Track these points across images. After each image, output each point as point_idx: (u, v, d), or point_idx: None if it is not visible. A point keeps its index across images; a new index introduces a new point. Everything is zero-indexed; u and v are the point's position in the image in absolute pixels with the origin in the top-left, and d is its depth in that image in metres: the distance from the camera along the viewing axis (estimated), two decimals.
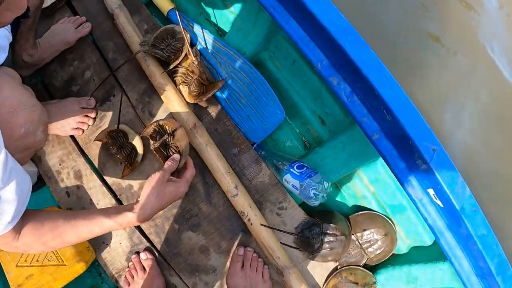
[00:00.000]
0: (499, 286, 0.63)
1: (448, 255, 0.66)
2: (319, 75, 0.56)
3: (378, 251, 0.80)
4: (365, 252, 0.80)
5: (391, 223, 0.80)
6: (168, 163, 0.65)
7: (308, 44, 0.58)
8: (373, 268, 0.85)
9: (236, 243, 0.78)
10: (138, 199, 0.60)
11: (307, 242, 0.74)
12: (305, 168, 0.72)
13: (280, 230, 0.75)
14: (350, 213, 0.81)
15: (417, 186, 0.58)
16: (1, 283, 0.83)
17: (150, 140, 0.72)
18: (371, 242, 0.79)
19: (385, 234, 0.79)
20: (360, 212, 0.79)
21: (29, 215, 0.55)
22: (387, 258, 0.84)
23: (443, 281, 0.77)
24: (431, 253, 0.79)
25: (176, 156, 0.67)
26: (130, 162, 0.78)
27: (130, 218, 0.58)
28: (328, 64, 0.55)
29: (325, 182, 0.69)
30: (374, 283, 0.82)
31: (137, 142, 0.79)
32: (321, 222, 0.73)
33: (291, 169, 0.72)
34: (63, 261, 0.78)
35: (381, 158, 0.65)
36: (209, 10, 0.87)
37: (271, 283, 0.77)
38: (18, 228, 0.54)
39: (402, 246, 0.83)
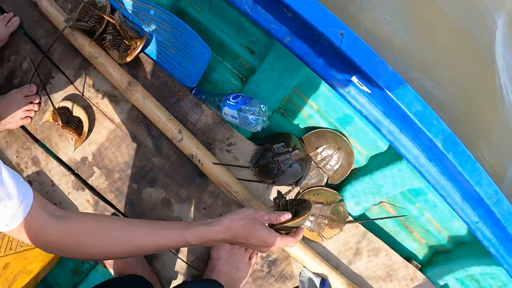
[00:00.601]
0: (453, 164, 0.65)
1: (393, 144, 0.68)
2: None
3: (336, 167, 0.83)
4: (323, 171, 0.83)
5: (342, 136, 0.83)
6: (275, 215, 0.54)
7: None
8: (338, 187, 0.89)
9: (195, 189, 0.82)
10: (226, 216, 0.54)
11: (266, 170, 0.78)
12: (240, 97, 0.76)
13: (232, 165, 0.79)
14: (301, 135, 0.84)
15: (341, 78, 0.62)
16: None
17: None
18: (327, 159, 0.83)
19: (338, 148, 0.82)
20: (309, 132, 0.83)
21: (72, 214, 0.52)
22: (349, 173, 0.87)
23: (404, 182, 0.80)
24: (388, 157, 0.82)
25: (287, 215, 0.55)
26: (79, 134, 0.84)
27: (202, 239, 0.52)
28: None
29: (261, 105, 0.73)
30: (341, 200, 0.85)
31: (81, 115, 0.84)
32: (271, 145, 0.77)
33: (227, 101, 0.76)
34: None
35: (314, 74, 0.69)
36: None
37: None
38: (50, 212, 0.50)
39: (360, 158, 0.86)
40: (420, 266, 0.94)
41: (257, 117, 0.73)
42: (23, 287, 0.81)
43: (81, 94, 0.86)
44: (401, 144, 0.66)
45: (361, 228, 0.87)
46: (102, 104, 0.85)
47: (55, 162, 0.87)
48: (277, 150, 0.76)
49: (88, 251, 0.50)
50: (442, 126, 0.62)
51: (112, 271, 0.83)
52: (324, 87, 0.78)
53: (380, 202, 0.91)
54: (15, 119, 0.88)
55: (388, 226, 0.95)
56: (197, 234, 0.52)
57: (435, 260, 0.97)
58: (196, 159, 0.78)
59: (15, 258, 0.83)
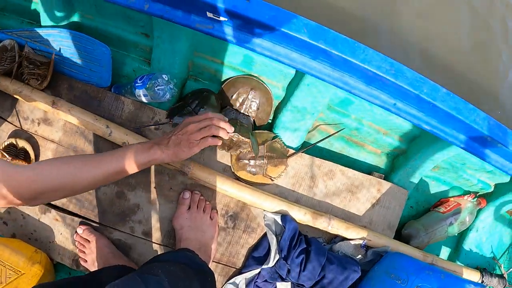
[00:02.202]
0: (331, 52, 0.76)
1: (274, 59, 0.79)
2: None
3: (256, 106, 0.96)
4: (246, 114, 0.97)
5: (252, 77, 0.97)
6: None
7: None
8: (270, 127, 1.02)
9: (140, 173, 0.98)
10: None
11: (181, 119, 0.91)
12: (145, 76, 0.92)
13: (149, 125, 0.94)
14: (218, 92, 0.99)
15: (199, 19, 0.76)
16: None
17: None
18: (245, 102, 0.96)
19: (251, 88, 0.96)
20: (222, 85, 0.98)
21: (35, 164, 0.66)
22: (273, 110, 1.00)
23: (317, 94, 0.91)
24: (296, 79, 0.94)
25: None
26: (29, 162, 1.02)
27: (160, 146, 0.72)
28: None
29: (163, 75, 0.88)
30: (275, 137, 0.98)
31: (26, 145, 1.03)
32: (183, 102, 0.92)
33: (136, 84, 0.92)
34: (20, 271, 1.00)
35: (196, 32, 0.82)
36: (24, 13, 1.12)
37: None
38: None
39: (278, 91, 0.99)
40: (383, 175, 1.05)
41: (163, 87, 0.88)
42: None
43: (20, 128, 1.05)
44: (282, 55, 0.79)
45: (307, 157, 0.99)
46: (40, 130, 1.03)
47: None
48: (190, 102, 0.91)
49: (55, 185, 0.64)
50: (303, 21, 0.74)
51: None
52: (212, 39, 0.91)
53: (317, 127, 1.03)
54: None
55: (337, 146, 1.07)
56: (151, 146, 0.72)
57: (396, 164, 1.07)
58: (126, 144, 0.94)
59: None
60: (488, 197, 1.17)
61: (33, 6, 1.07)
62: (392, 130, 1.02)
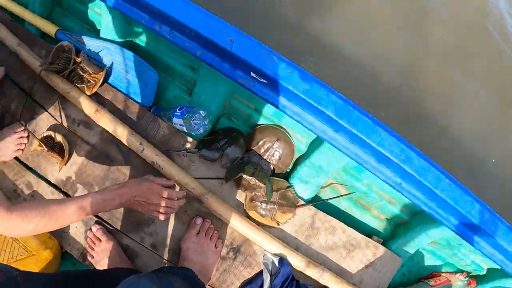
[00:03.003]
0: (351, 130, 0.97)
1: (301, 123, 1.01)
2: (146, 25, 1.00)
3: (278, 156, 1.18)
4: (267, 161, 1.18)
5: (280, 128, 1.18)
6: (162, 179, 0.98)
7: (138, 13, 1.03)
8: (287, 176, 1.23)
9: None
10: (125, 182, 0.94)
11: (210, 152, 1.14)
12: (184, 107, 1.14)
13: (178, 150, 1.16)
14: (247, 134, 1.21)
15: (243, 75, 0.98)
16: None
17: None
18: (269, 150, 1.18)
19: (277, 139, 1.17)
20: (252, 130, 1.19)
21: (18, 205, 0.84)
22: (293, 162, 1.22)
23: (334, 158, 1.12)
24: (318, 139, 1.15)
25: (171, 181, 1.00)
26: (62, 157, 1.25)
27: (110, 197, 0.89)
28: (150, 18, 1.00)
29: (200, 111, 1.10)
30: (289, 186, 1.20)
31: (63, 141, 1.26)
32: (214, 137, 1.14)
33: (175, 113, 1.14)
34: (31, 252, 1.23)
35: None
36: (86, 20, 1.35)
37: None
38: (8, 208, 0.81)
39: (301, 145, 1.20)
40: (382, 240, 1.25)
41: (199, 122, 1.10)
42: None
43: (60, 124, 1.28)
44: (308, 122, 1.00)
45: (314, 209, 1.20)
46: (79, 130, 1.26)
47: (45, 184, 1.28)
48: (220, 138, 1.13)
49: (39, 222, 0.83)
50: (331, 98, 0.94)
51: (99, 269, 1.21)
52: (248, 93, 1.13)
53: (330, 184, 1.25)
54: (9, 152, 1.30)
55: (344, 205, 1.28)
56: (101, 196, 0.87)
57: (397, 232, 1.27)
58: (156, 165, 1.16)
59: (16, 265, 1.23)
60: (479, 279, 1.36)
61: (95, 16, 1.30)
62: (397, 201, 1.23)
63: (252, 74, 0.95)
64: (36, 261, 1.21)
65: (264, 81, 0.95)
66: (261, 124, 1.19)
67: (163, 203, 0.93)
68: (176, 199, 0.97)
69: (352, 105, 0.98)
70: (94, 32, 1.35)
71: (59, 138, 1.26)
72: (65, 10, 1.39)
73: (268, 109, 1.16)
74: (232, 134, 1.16)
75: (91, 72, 1.21)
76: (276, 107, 0.99)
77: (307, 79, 0.94)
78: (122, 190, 0.92)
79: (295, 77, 0.94)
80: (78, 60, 1.21)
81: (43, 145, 1.24)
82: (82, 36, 1.25)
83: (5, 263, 1.20)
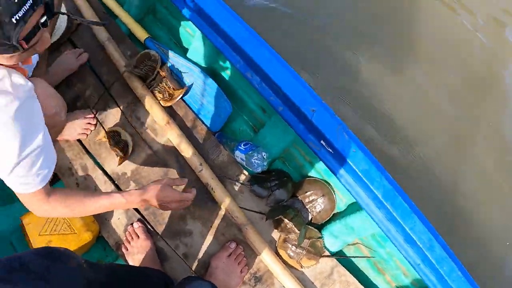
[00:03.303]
0: (391, 212, 1.16)
1: (350, 192, 1.20)
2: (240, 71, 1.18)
3: (320, 210, 1.36)
4: (309, 211, 1.37)
5: (328, 185, 1.37)
6: (178, 180, 1.18)
7: (234, 56, 1.20)
8: (320, 227, 1.42)
9: (206, 210, 1.38)
10: (145, 186, 1.12)
11: (260, 188, 1.32)
12: (249, 144, 1.31)
13: (232, 180, 1.34)
14: (296, 180, 1.39)
15: (314, 140, 1.15)
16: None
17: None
18: (313, 202, 1.36)
19: (323, 194, 1.35)
20: (303, 179, 1.37)
21: (59, 189, 1.04)
22: (330, 217, 1.40)
23: (367, 226, 1.31)
24: (358, 205, 1.33)
25: (186, 180, 1.21)
26: (124, 154, 1.42)
27: (132, 194, 1.09)
28: (244, 64, 1.17)
29: (263, 153, 1.28)
30: (320, 237, 1.38)
31: (128, 139, 1.43)
32: (268, 175, 1.32)
33: (239, 147, 1.32)
34: (74, 230, 1.41)
35: None
36: (176, 35, 1.52)
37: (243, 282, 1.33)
38: (48, 192, 0.96)
39: (341, 204, 1.39)
40: None
41: (259, 162, 1.28)
42: None
43: (129, 123, 1.46)
44: (356, 193, 1.18)
45: (336, 262, 1.39)
46: (145, 134, 1.43)
47: (100, 172, 1.46)
48: (272, 179, 1.31)
49: (75, 209, 1.03)
50: (383, 182, 1.12)
51: (131, 263, 1.39)
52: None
53: (356, 243, 1.43)
54: (74, 133, 1.47)
55: (362, 265, 1.46)
56: (128, 196, 1.08)
57: None
58: (210, 187, 1.34)
59: (57, 238, 1.39)
60: None
61: (186, 35, 1.47)
62: (411, 274, 1.41)
63: (322, 142, 1.12)
64: (76, 239, 1.39)
65: (330, 150, 1.12)
66: (312, 177, 1.37)
67: (175, 205, 1.16)
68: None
69: (399, 191, 1.16)
70: (180, 48, 1.52)
71: (125, 136, 1.43)
72: (157, 20, 1.55)
73: (321, 165, 1.34)
74: (283, 178, 1.33)
75: (170, 87, 1.38)
76: (334, 173, 1.17)
77: (367, 161, 1.12)
78: (144, 197, 1.12)
79: (358, 156, 1.12)
80: (162, 74, 1.37)
81: (110, 139, 1.41)
82: (170, 51, 1.41)
83: (47, 234, 1.38)
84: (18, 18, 0.73)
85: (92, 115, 1.47)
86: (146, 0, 1.52)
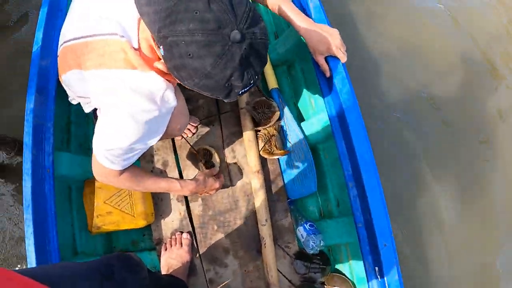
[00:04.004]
0: None
1: None
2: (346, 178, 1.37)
3: None
4: None
5: (351, 282, 1.57)
6: (212, 170, 1.54)
7: (345, 158, 1.39)
8: None
9: (248, 256, 1.56)
10: (195, 177, 1.44)
11: (299, 265, 1.52)
12: (314, 227, 1.51)
13: (283, 248, 1.53)
14: (332, 269, 1.59)
15: (370, 262, 1.36)
16: (77, 218, 1.60)
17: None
18: None
19: None
20: (336, 274, 1.57)
21: (133, 167, 1.19)
22: None
23: None
24: None
25: (217, 169, 1.58)
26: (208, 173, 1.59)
27: (187, 184, 1.36)
28: (352, 176, 1.36)
29: (321, 240, 1.48)
30: None
31: (216, 163, 1.60)
32: (311, 256, 1.52)
33: (305, 224, 1.51)
34: (134, 213, 1.57)
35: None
36: (299, 98, 1.71)
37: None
38: (122, 171, 1.13)
39: None
40: None
41: (314, 246, 1.48)
42: (107, 229, 1.54)
43: (223, 150, 1.62)
44: None
45: None
46: (231, 166, 1.62)
47: (177, 173, 1.63)
48: (313, 260, 1.51)
49: (138, 185, 1.23)
50: None
51: (162, 263, 1.55)
52: (360, 257, 1.51)
53: None
54: (174, 132, 1.63)
55: None
56: (183, 184, 1.35)
57: None
58: (264, 241, 1.53)
59: (117, 212, 1.57)
60: None
61: (309, 107, 1.66)
62: None
63: (376, 268, 1.32)
64: (131, 221, 1.57)
65: (379, 276, 1.33)
66: (345, 275, 1.57)
67: (212, 190, 1.50)
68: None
69: None
70: (296, 111, 1.70)
71: (215, 159, 1.62)
72: (290, 75, 1.74)
73: (359, 273, 1.54)
74: (324, 265, 1.54)
75: (275, 143, 1.56)
76: None
77: None
78: (195, 188, 1.40)
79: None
80: (274, 129, 1.55)
81: (201, 153, 1.58)
82: (288, 111, 1.59)
83: (111, 205, 1.55)
84: (243, 91, 0.92)
85: (197, 123, 1.63)
86: (289, 53, 1.70)
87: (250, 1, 0.84)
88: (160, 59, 0.95)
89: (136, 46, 0.95)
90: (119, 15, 0.98)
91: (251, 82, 0.86)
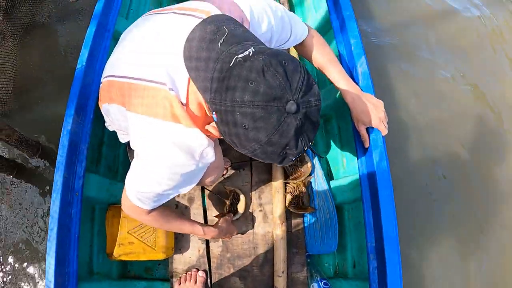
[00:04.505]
0: None
1: None
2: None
3: None
4: None
5: None
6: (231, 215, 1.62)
7: (370, 229, 1.44)
8: None
9: None
10: (218, 224, 1.49)
11: None
12: (328, 286, 1.56)
13: None
14: None
15: None
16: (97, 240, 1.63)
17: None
18: None
19: None
20: None
21: (162, 207, 1.21)
22: None
23: None
24: None
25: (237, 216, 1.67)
26: (228, 213, 1.63)
27: (210, 231, 1.40)
28: (374, 248, 1.42)
29: None
30: None
31: (241, 207, 1.65)
32: None
33: (320, 282, 1.57)
34: (155, 247, 1.61)
35: None
36: (330, 154, 1.76)
37: None
38: (151, 210, 1.16)
39: None
40: None
41: None
42: (126, 259, 1.58)
43: (250, 195, 1.67)
44: None
45: None
46: (256, 213, 1.67)
47: (201, 212, 1.67)
48: None
49: (163, 225, 1.27)
50: None
51: None
52: None
53: None
54: (205, 183, 1.66)
55: None
56: (208, 231, 1.39)
57: None
58: None
59: (138, 243, 1.61)
60: None
61: (340, 167, 1.70)
62: None
63: None
64: (151, 254, 1.62)
65: None
66: None
67: (229, 237, 1.57)
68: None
69: None
70: (326, 169, 1.75)
71: (242, 204, 1.66)
72: (324, 129, 1.78)
73: None
74: None
75: (302, 199, 1.61)
76: None
77: None
78: (217, 234, 1.44)
79: None
80: (303, 189, 1.61)
81: (229, 194, 1.62)
82: (320, 169, 1.65)
83: (134, 236, 1.59)
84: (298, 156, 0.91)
85: (228, 165, 1.67)
86: (328, 108, 1.79)
87: (304, 67, 0.82)
88: (210, 119, 0.97)
89: (184, 102, 0.97)
90: (171, 65, 0.99)
91: (305, 148, 0.84)
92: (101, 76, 1.25)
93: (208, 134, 0.99)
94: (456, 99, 2.51)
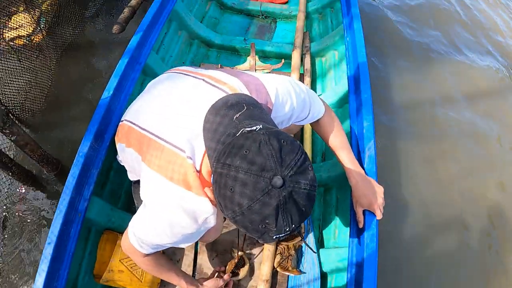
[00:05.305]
0: None
1: None
2: None
3: None
4: None
5: None
6: (227, 277, 1.64)
7: None
8: None
9: None
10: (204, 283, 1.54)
11: None
12: None
13: None
14: None
15: None
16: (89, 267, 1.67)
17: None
18: None
19: None
20: None
21: (158, 254, 1.30)
22: None
23: None
24: None
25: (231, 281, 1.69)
26: (232, 275, 1.69)
27: None
28: None
29: None
30: None
31: (242, 274, 1.70)
32: None
33: None
34: (142, 279, 1.66)
35: None
36: (324, 222, 1.84)
37: None
38: (147, 254, 1.24)
39: None
40: None
41: None
42: (112, 285, 1.63)
43: (243, 250, 1.74)
44: None
45: None
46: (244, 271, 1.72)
47: (191, 260, 1.73)
48: None
49: (152, 271, 1.35)
50: None
51: None
52: None
53: None
54: (203, 241, 1.72)
55: None
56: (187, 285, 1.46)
57: None
58: None
59: (128, 273, 1.68)
60: None
61: (331, 232, 1.77)
62: None
63: None
64: (136, 284, 1.67)
65: None
66: None
67: None
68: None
69: None
70: (318, 234, 1.82)
71: (245, 268, 1.75)
72: (323, 198, 1.88)
73: None
74: None
75: (291, 262, 1.67)
76: None
77: None
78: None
79: None
80: (292, 253, 1.68)
81: (238, 260, 1.75)
82: (313, 237, 1.72)
83: (125, 265, 1.65)
84: (278, 236, 0.90)
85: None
86: (330, 179, 1.92)
87: (304, 153, 0.88)
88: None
89: (198, 169, 1.05)
90: (192, 130, 1.07)
91: (287, 229, 0.85)
92: (123, 110, 1.33)
93: (214, 203, 1.07)
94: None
